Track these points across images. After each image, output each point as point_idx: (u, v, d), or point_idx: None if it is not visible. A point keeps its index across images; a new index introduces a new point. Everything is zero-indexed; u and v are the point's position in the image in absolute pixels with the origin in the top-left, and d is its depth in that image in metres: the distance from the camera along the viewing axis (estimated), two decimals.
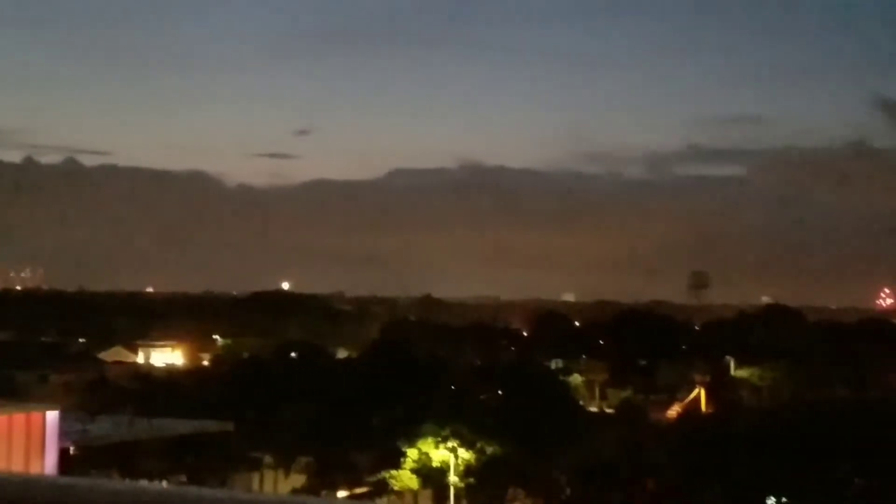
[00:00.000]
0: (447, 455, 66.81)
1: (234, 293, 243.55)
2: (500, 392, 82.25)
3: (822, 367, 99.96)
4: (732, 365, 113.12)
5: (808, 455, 55.65)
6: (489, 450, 67.11)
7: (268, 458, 71.92)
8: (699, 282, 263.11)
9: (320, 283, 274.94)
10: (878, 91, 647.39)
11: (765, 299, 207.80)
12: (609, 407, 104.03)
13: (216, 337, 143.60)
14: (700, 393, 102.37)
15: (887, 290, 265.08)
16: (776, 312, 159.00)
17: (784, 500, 57.67)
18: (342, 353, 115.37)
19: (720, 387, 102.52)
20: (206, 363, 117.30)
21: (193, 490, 3.76)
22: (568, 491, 63.06)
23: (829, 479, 55.93)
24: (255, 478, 70.88)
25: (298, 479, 69.79)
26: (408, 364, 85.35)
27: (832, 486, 55.94)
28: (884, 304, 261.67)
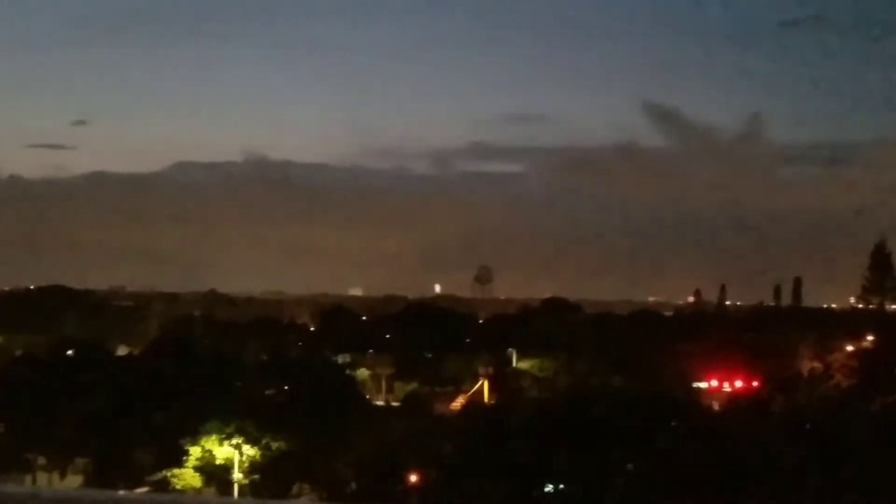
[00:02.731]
0: (231, 452, 66.04)
1: (7, 289, 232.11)
2: (286, 387, 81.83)
3: (598, 357, 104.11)
4: (514, 357, 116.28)
5: (583, 442, 57.89)
6: (274, 445, 66.75)
7: (42, 460, 69.03)
8: (484, 276, 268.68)
9: (99, 278, 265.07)
10: (645, 94, 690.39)
11: (545, 293, 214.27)
12: (395, 400, 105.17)
13: None
14: (483, 384, 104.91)
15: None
16: (556, 305, 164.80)
17: (561, 486, 59.72)
18: (122, 350, 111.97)
19: (503, 378, 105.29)
20: None
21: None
22: (353, 484, 63.36)
23: (603, 465, 58.34)
24: (27, 480, 67.90)
25: (75, 480, 67.40)
26: (191, 360, 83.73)
27: (606, 472, 58.38)
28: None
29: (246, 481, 65.73)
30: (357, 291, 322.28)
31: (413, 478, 62.64)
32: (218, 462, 66.18)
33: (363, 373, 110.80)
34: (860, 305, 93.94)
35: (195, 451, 66.12)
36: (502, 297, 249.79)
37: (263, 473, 65.74)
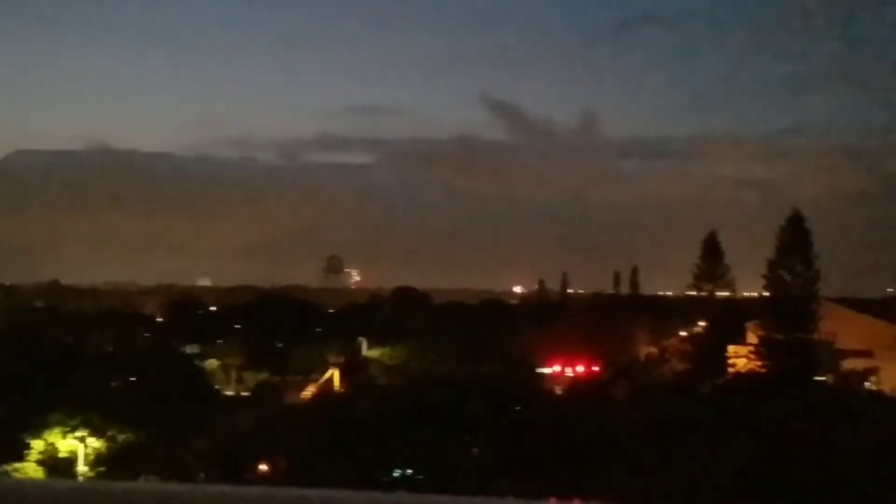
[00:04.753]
0: (76, 444, 65.19)
1: None
2: (132, 379, 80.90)
3: (446, 344, 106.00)
4: (365, 345, 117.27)
5: (430, 427, 59.29)
6: (121, 437, 66.14)
7: None
8: (333, 266, 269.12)
9: None
10: (486, 89, 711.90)
11: (395, 283, 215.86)
12: (246, 390, 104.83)
13: None
14: (334, 373, 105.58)
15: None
16: (405, 295, 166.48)
17: (409, 471, 61.00)
18: None
19: (353, 367, 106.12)
20: None
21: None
22: (202, 474, 63.28)
23: (450, 449, 59.86)
24: None
25: None
26: (33, 353, 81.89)
27: (452, 456, 59.90)
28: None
29: (92, 473, 64.97)
30: (206, 282, 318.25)
31: (263, 466, 63.00)
32: (61, 455, 65.27)
33: (212, 363, 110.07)
34: (693, 293, 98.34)
35: (37, 445, 65.01)
36: (352, 287, 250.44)
37: (109, 465, 65.07)
